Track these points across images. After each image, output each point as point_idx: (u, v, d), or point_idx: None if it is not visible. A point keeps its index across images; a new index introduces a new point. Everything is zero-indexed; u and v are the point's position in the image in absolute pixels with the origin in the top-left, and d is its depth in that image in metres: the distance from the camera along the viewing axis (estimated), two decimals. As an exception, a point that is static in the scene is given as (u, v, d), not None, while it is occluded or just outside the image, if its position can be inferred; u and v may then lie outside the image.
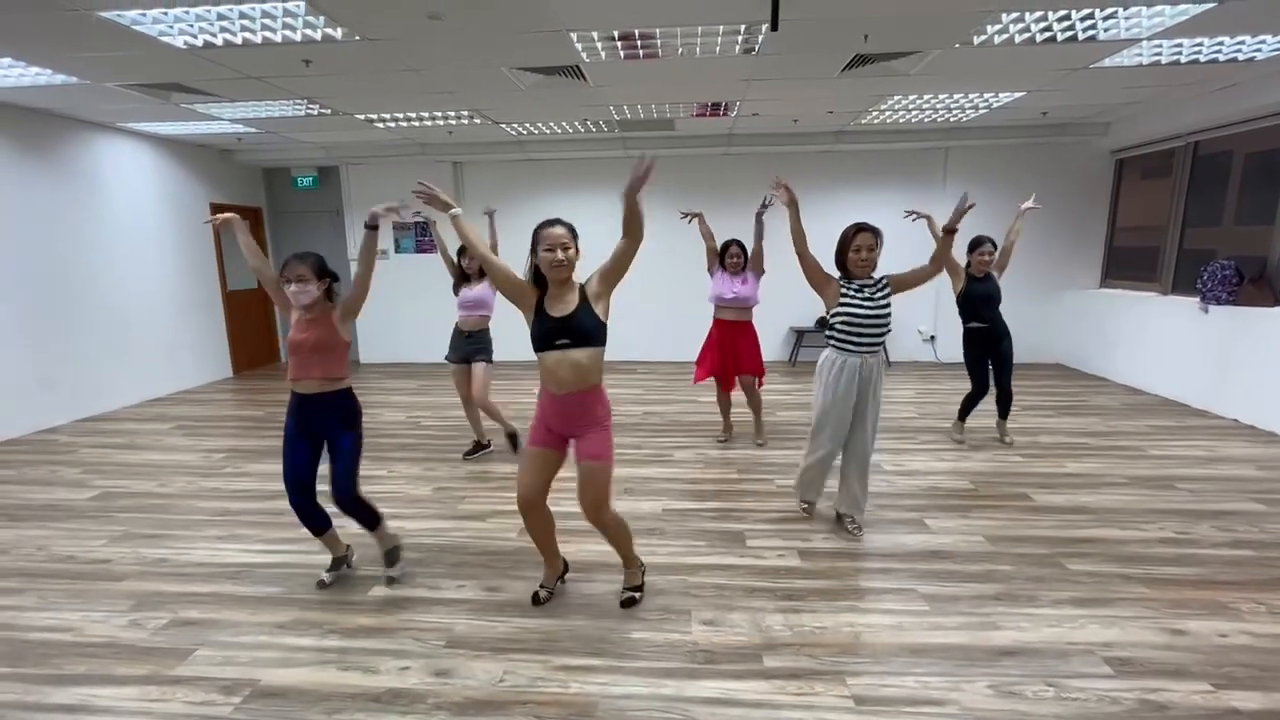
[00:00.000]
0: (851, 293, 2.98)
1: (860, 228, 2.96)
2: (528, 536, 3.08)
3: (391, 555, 2.82)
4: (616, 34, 3.72)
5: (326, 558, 2.86)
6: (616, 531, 2.56)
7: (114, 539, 3.26)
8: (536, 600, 2.61)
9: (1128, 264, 7.07)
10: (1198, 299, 5.46)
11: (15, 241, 5.16)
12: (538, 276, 2.39)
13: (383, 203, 2.67)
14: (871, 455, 3.17)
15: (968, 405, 4.61)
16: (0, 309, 5.04)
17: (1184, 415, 5.26)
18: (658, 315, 7.72)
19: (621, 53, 4.06)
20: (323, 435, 2.64)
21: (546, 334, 2.33)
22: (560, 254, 2.30)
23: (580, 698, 2.05)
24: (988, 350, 4.43)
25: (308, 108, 5.39)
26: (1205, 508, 3.44)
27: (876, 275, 3.04)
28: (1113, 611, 2.48)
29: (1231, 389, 5.13)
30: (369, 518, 2.73)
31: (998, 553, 2.98)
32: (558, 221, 2.37)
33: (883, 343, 3.05)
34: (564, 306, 2.35)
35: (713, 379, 4.60)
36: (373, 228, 2.62)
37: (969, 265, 4.37)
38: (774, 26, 3.23)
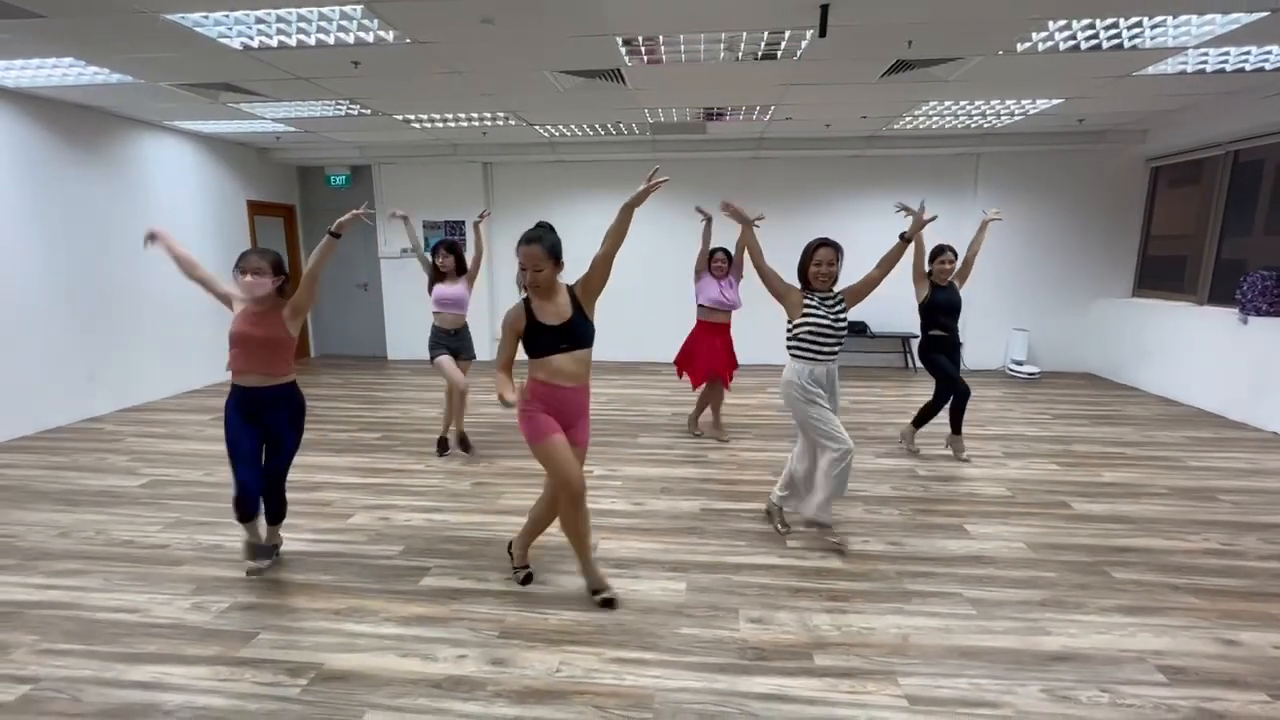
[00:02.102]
0: (815, 304, 3.05)
1: (822, 243, 3.05)
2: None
3: (269, 550, 2.90)
4: (661, 38, 3.77)
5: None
6: (554, 515, 2.68)
7: (168, 525, 3.36)
8: (611, 604, 2.57)
9: (1160, 273, 7.00)
10: (1236, 309, 5.40)
11: (64, 235, 5.32)
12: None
13: (351, 212, 2.70)
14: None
15: (930, 413, 4.50)
16: (49, 300, 5.20)
17: (1221, 427, 5.20)
18: (686, 318, 7.75)
19: (664, 56, 4.11)
20: (269, 428, 2.73)
21: (549, 342, 2.44)
22: (532, 275, 2.39)
23: (636, 689, 2.10)
24: (951, 354, 4.35)
25: (348, 108, 5.50)
26: (1250, 520, 3.41)
27: (837, 291, 3.12)
28: (1163, 620, 2.48)
29: (1272, 402, 5.06)
30: (280, 512, 2.89)
31: (1040, 559, 2.98)
32: (535, 239, 2.39)
33: (838, 352, 3.09)
34: (557, 314, 2.45)
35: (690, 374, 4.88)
36: (336, 235, 2.66)
37: (931, 274, 4.29)
38: (822, 33, 3.26)
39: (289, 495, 2.94)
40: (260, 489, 2.75)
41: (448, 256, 4.35)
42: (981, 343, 7.59)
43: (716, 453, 4.56)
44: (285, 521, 3.36)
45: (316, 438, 4.93)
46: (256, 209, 7.64)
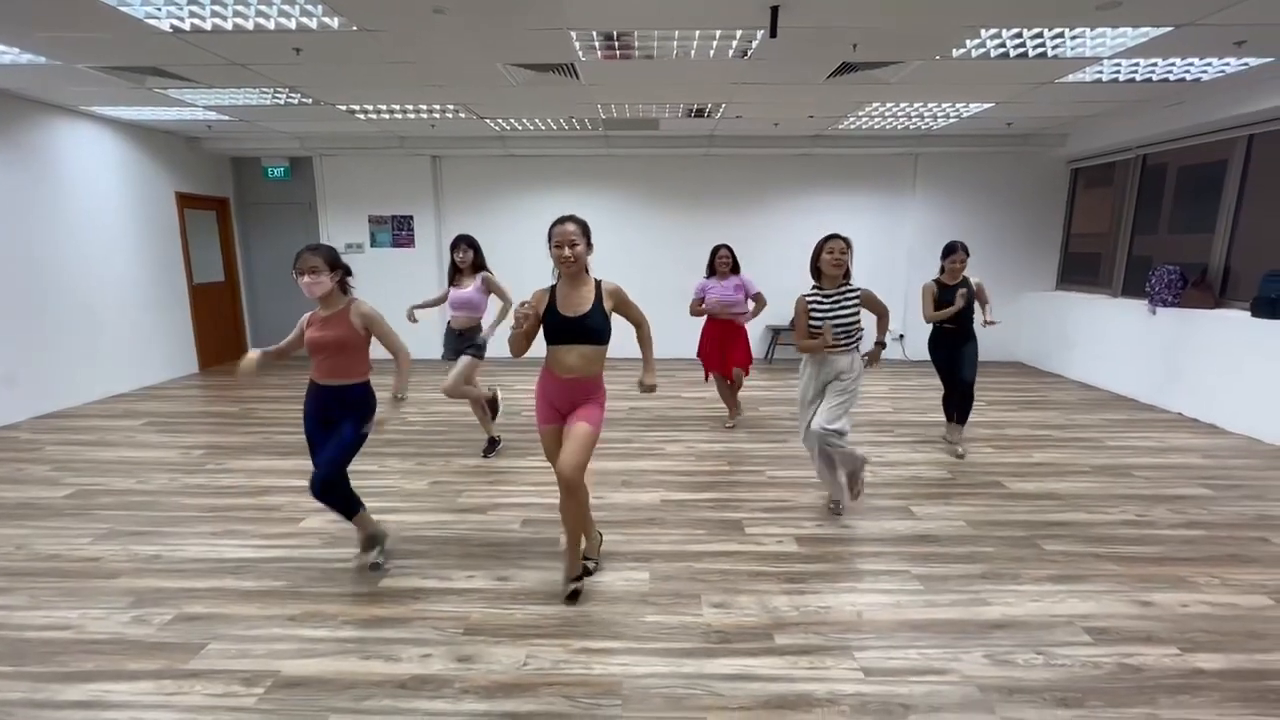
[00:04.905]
0: (817, 302, 3.22)
1: (832, 236, 3.23)
2: (532, 527, 3.16)
3: (371, 540, 2.82)
4: (615, 33, 3.79)
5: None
6: (583, 501, 2.60)
7: (100, 537, 3.16)
8: (576, 596, 2.58)
9: (1079, 268, 7.52)
10: (1146, 301, 5.86)
11: (-30, 228, 4.90)
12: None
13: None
14: (825, 435, 3.20)
15: (948, 405, 4.64)
16: (-46, 299, 4.78)
17: (1134, 409, 5.64)
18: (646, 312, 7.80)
19: (619, 52, 4.12)
20: (334, 420, 2.66)
21: (558, 330, 2.52)
22: (567, 250, 2.47)
23: (605, 678, 2.12)
24: (952, 351, 4.46)
25: (288, 96, 5.27)
26: (1160, 493, 3.73)
27: (853, 284, 3.25)
28: (1088, 587, 2.69)
29: (1176, 385, 5.53)
30: (344, 506, 2.73)
31: (979, 535, 3.17)
32: (570, 219, 2.51)
33: (850, 343, 3.22)
34: (578, 305, 2.52)
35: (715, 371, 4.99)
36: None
37: (941, 271, 4.42)
38: (773, 33, 3.35)
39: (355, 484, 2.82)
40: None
41: (467, 252, 4.11)
42: (921, 334, 7.95)
43: (674, 445, 4.63)
44: (231, 528, 3.27)
45: (261, 440, 4.73)
46: (187, 201, 7.21)
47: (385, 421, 2.66)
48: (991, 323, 4.40)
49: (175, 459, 4.33)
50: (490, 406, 4.44)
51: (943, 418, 4.74)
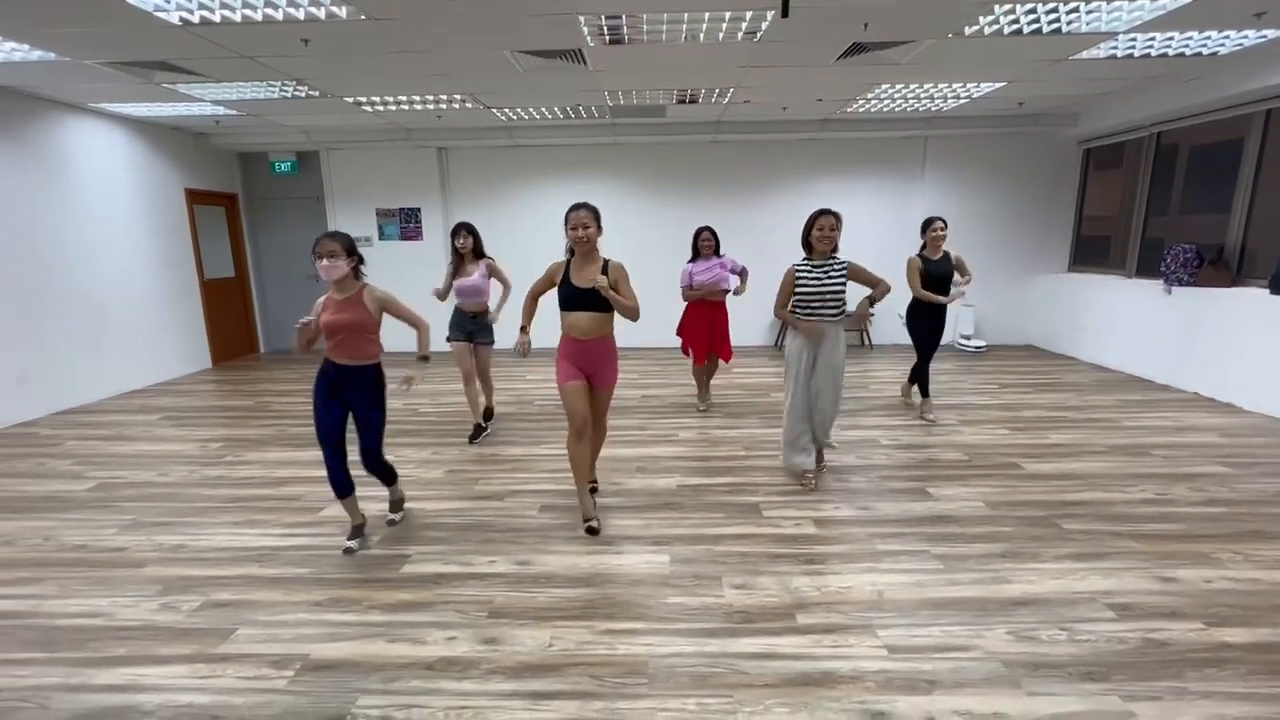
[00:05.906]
0: (805, 272, 3.36)
1: (823, 211, 3.36)
2: (551, 513, 3.19)
3: (398, 504, 3.21)
4: (624, 17, 3.76)
5: (342, 540, 2.96)
6: (602, 438, 3.30)
7: (124, 527, 3.20)
8: (594, 532, 3.00)
9: (1090, 250, 7.44)
10: (1161, 281, 5.80)
11: (-15, 227, 4.94)
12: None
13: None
14: (833, 409, 3.53)
15: (917, 374, 4.89)
16: (-29, 297, 4.83)
17: (1149, 390, 5.60)
18: (647, 302, 7.77)
19: (627, 37, 4.09)
20: (351, 404, 2.83)
21: (571, 298, 2.94)
22: (581, 231, 2.89)
23: (630, 658, 2.14)
24: (933, 322, 4.65)
25: (295, 89, 5.26)
26: (1178, 471, 3.70)
27: (839, 257, 3.39)
28: (1109, 564, 2.68)
29: (1192, 364, 5.47)
30: (388, 476, 3.10)
31: (998, 515, 3.17)
32: (584, 205, 2.94)
33: (836, 313, 3.37)
34: (587, 278, 2.92)
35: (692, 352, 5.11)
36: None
37: (924, 247, 4.53)
38: (784, 13, 3.32)
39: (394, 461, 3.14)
40: (343, 467, 2.86)
41: (467, 238, 4.30)
42: (932, 319, 7.91)
43: (687, 431, 4.64)
44: (253, 518, 3.31)
45: (276, 433, 4.77)
46: (196, 198, 7.24)
47: (414, 380, 2.91)
48: (960, 293, 4.59)
49: (193, 452, 4.37)
50: (476, 430, 4.49)
51: (962, 401, 4.75)
